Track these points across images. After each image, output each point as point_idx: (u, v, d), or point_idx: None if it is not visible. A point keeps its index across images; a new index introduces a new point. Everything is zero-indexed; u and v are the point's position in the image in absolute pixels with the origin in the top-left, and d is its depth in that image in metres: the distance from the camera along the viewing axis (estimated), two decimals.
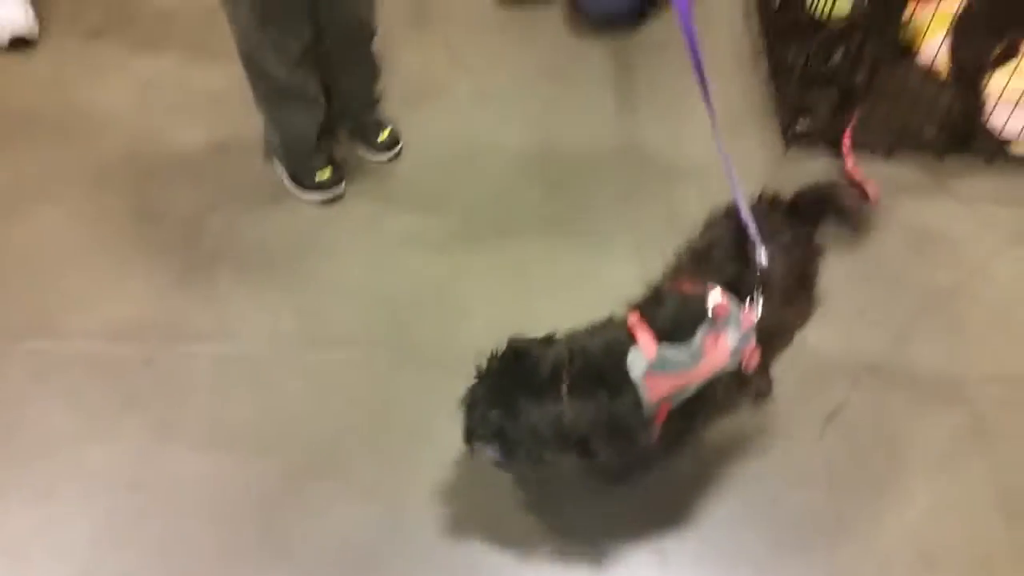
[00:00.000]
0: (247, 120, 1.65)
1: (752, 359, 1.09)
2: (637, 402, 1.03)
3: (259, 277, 1.56)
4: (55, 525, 1.26)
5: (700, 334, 1.04)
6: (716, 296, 1.06)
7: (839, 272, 1.55)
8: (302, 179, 1.66)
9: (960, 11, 1.65)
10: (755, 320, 1.07)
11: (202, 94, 1.82)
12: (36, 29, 1.95)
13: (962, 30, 1.68)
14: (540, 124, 1.81)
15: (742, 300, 1.08)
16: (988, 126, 1.78)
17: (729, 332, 1.05)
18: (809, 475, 1.33)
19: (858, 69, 1.74)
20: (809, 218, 1.20)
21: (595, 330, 1.10)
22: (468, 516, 1.28)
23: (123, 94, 1.86)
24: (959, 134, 1.77)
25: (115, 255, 1.58)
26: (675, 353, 1.03)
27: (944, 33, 1.84)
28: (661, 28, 2.02)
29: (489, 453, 1.10)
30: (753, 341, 1.08)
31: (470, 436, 1.09)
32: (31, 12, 1.94)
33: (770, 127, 1.82)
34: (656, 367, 1.03)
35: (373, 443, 1.35)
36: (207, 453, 1.33)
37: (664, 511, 1.29)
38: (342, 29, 1.52)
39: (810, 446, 1.36)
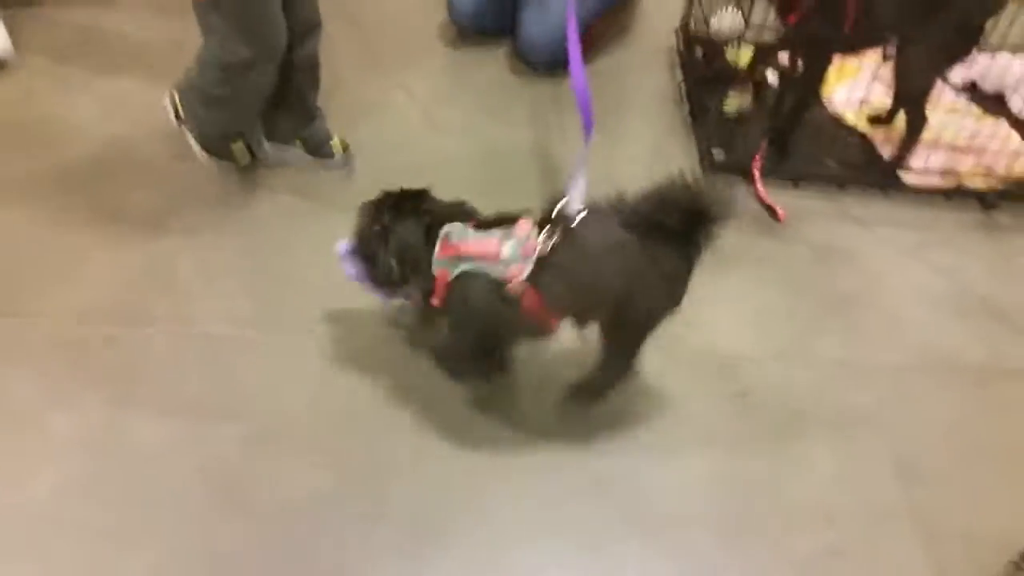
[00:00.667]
0: None
1: (518, 286, 1.25)
2: (421, 240, 1.29)
3: (216, 269, 1.66)
4: (19, 479, 1.31)
5: (494, 232, 1.28)
6: (526, 222, 1.28)
7: (748, 278, 1.75)
8: (217, 152, 1.80)
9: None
10: (534, 252, 1.25)
11: (163, 110, 1.94)
12: (11, 51, 2.07)
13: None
14: (483, 142, 1.99)
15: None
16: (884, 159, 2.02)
17: (510, 243, 1.26)
18: (719, 442, 1.46)
19: (777, 113, 1.97)
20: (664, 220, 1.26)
21: (450, 207, 1.34)
22: (411, 472, 1.37)
23: (88, 109, 1.98)
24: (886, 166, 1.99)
25: (79, 248, 1.67)
26: (463, 231, 1.29)
27: (847, 84, 2.10)
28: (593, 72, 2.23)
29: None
30: (524, 268, 1.24)
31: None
32: (5, 35, 2.07)
33: (690, 157, 2.03)
34: (451, 235, 1.28)
35: (321, 411, 1.44)
36: (165, 421, 1.40)
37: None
38: (301, 28, 1.68)
39: (720, 420, 1.49)
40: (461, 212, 1.34)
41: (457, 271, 1.27)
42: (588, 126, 1.55)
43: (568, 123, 2.07)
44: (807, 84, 1.90)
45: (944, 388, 1.58)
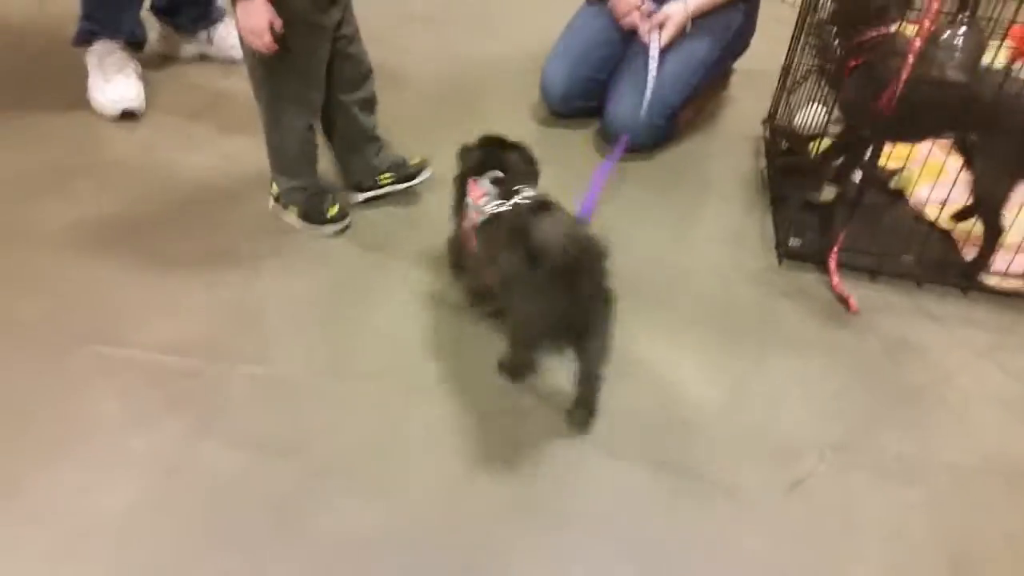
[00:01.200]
0: None
1: (469, 230, 1.60)
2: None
3: (302, 315, 1.78)
4: (95, 493, 1.42)
5: (492, 188, 1.57)
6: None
7: (814, 365, 1.75)
8: (314, 217, 1.96)
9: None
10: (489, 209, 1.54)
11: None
12: (143, 106, 2.30)
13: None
14: None
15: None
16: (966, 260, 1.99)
17: (488, 197, 1.55)
18: (766, 531, 1.45)
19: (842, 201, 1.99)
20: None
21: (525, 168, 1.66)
22: (460, 513, 1.42)
23: (206, 161, 2.17)
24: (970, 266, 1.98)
25: (180, 286, 1.82)
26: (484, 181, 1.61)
27: (930, 183, 2.10)
28: (680, 154, 2.31)
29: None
30: (478, 218, 1.56)
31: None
32: (141, 90, 2.30)
33: (767, 243, 2.06)
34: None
35: (382, 453, 1.51)
36: (234, 452, 1.50)
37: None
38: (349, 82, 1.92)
39: (771, 507, 1.48)
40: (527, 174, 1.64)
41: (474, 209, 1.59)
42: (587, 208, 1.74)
43: (642, 199, 2.14)
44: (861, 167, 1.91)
45: (1009, 494, 1.53)
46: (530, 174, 1.65)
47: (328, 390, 1.62)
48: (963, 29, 1.57)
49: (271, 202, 2.00)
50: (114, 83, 2.28)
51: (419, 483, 1.47)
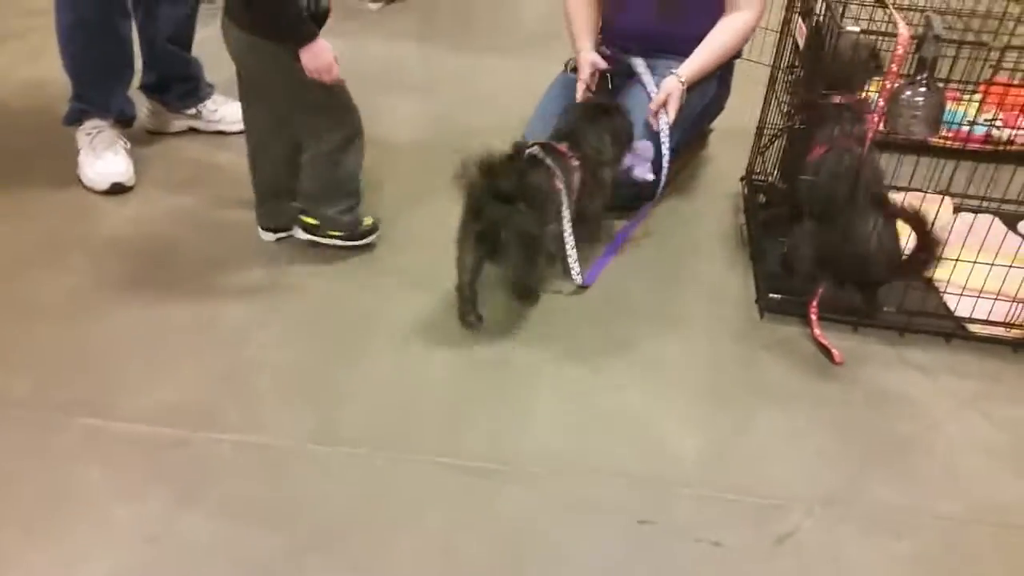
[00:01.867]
0: (304, 254, 1.99)
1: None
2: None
3: (289, 382, 1.79)
4: (75, 562, 1.42)
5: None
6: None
7: (800, 418, 1.76)
8: (356, 234, 2.11)
9: None
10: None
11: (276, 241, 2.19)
12: (132, 178, 2.35)
13: None
14: None
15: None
16: (950, 309, 2.01)
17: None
18: None
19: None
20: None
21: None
22: None
23: (195, 231, 2.21)
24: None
25: (169, 353, 1.84)
26: None
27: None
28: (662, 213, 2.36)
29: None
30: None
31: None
32: (130, 164, 2.36)
33: (749, 298, 2.08)
34: None
35: (366, 525, 1.50)
36: (220, 523, 1.49)
37: None
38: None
39: (759, 563, 1.47)
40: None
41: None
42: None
43: (625, 258, 2.18)
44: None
45: (997, 546, 1.52)
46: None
47: (314, 457, 1.62)
48: (923, 90, 1.61)
49: (301, 234, 2.12)
50: (104, 159, 2.33)
51: (402, 559, 1.45)
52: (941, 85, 1.65)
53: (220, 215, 2.28)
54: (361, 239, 2.12)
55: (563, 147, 2.01)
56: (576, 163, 2.01)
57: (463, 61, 3.38)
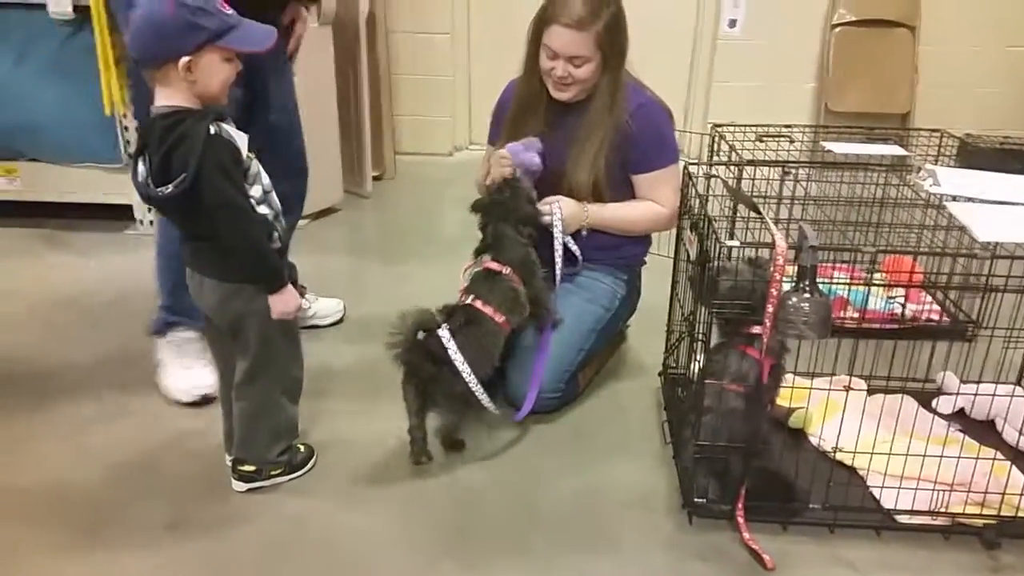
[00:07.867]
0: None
1: None
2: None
3: None
4: None
5: None
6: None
7: None
8: (297, 465, 2.09)
9: None
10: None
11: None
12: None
13: None
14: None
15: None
16: (877, 500, 1.98)
17: None
18: None
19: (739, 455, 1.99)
20: None
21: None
22: None
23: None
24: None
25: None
26: None
27: (832, 420, 2.13)
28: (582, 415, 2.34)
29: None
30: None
31: None
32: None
33: (677, 501, 2.03)
34: None
35: None
36: None
37: None
38: None
39: None
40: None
41: None
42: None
43: (547, 466, 2.15)
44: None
45: None
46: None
47: None
48: (807, 295, 1.67)
49: (241, 486, 2.03)
50: (193, 370, 2.35)
51: None
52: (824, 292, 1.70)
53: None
54: (302, 468, 2.10)
55: (488, 310, 2.17)
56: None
57: (389, 269, 3.48)
